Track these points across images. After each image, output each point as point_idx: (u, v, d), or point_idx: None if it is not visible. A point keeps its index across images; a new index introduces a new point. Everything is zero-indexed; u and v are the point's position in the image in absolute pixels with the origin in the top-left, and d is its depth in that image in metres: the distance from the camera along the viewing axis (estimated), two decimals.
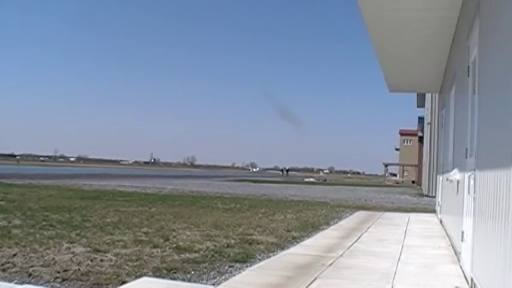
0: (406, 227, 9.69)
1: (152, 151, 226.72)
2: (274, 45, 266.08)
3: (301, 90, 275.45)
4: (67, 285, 4.42)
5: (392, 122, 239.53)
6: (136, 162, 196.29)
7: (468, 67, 5.32)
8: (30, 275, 4.72)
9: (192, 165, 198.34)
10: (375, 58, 9.46)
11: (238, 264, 5.57)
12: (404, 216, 12.32)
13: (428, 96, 25.68)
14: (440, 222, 10.46)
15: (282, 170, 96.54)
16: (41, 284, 4.39)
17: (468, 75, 5.30)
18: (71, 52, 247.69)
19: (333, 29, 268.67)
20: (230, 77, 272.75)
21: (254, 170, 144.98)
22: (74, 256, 5.65)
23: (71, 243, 6.51)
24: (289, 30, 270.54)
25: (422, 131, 35.28)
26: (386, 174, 72.45)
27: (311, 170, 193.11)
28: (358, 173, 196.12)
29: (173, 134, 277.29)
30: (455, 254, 6.33)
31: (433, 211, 13.69)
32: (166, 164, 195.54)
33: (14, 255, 5.59)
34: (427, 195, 24.54)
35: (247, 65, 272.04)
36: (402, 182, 63.49)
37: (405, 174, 77.38)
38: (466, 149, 5.28)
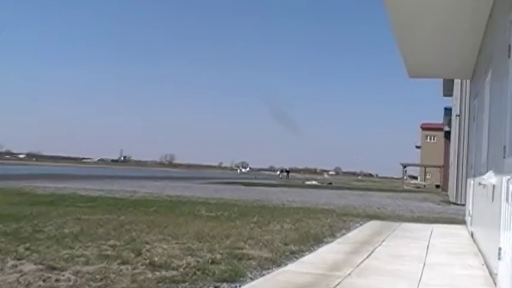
0: (429, 241, 9.70)
1: (122, 147, 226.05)
2: (271, 25, 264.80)
3: (301, 81, 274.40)
4: None
5: (412, 115, 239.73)
6: (102, 160, 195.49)
7: (509, 46, 5.29)
8: None
9: (171, 165, 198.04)
10: (391, 38, 9.42)
11: (225, 284, 5.54)
12: (427, 228, 12.34)
13: (457, 82, 25.73)
14: (471, 235, 10.47)
15: (281, 171, 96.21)
16: None
17: (509, 56, 5.26)
18: (25, 31, 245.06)
19: (339, 5, 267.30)
20: (216, 65, 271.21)
21: (243, 170, 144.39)
22: (21, 276, 5.58)
23: (19, 259, 6.43)
24: (286, 7, 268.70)
25: (449, 125, 35.40)
26: (405, 177, 72.71)
27: (313, 171, 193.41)
28: (371, 175, 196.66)
29: (148, 127, 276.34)
30: (491, 275, 6.31)
31: (462, 222, 13.71)
32: (139, 163, 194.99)
33: None
34: (454, 203, 24.61)
35: (238, 53, 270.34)
36: (424, 186, 63.82)
37: (428, 177, 77.78)
38: (504, 147, 5.25)
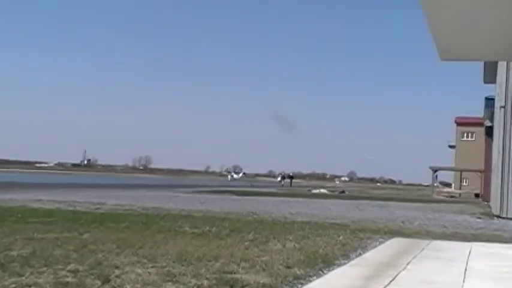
0: (467, 263, 9.69)
1: (86, 148, 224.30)
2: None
3: (305, 69, 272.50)
4: None
5: (445, 107, 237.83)
6: (60, 164, 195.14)
7: None
8: None
9: (147, 170, 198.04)
10: (417, 9, 9.39)
11: None
12: (464, 246, 12.34)
13: (501, 66, 25.72)
14: None
15: (282, 177, 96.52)
16: None
17: None
18: None
19: None
20: (204, 54, 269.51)
21: (236, 176, 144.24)
22: None
23: None
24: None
25: (491, 119, 35.49)
26: (436, 184, 72.90)
27: (322, 177, 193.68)
28: (393, 182, 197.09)
29: (118, 124, 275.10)
30: None
31: (509, 240, 13.74)
32: (107, 168, 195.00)
33: None
34: (499, 216, 24.61)
35: (231, 42, 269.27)
36: (459, 195, 63.95)
37: (464, 183, 77.85)
38: None
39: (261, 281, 7.40)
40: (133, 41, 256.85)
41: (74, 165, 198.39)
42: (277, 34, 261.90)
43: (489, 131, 39.18)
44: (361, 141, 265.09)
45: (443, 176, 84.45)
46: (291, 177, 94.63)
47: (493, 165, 30.52)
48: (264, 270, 8.29)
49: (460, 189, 73.71)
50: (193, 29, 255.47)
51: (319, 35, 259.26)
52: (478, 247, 12.32)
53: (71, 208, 19.90)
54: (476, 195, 58.84)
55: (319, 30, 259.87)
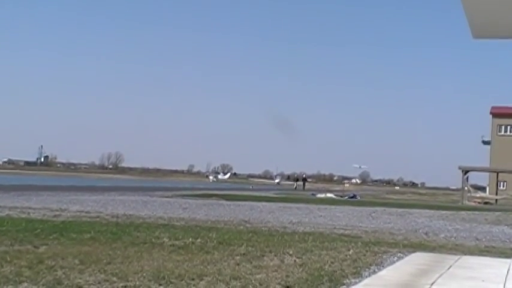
0: (504, 284, 9.72)
1: (42, 143, 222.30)
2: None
3: (311, 53, 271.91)
4: None
5: (477, 95, 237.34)
6: (10, 161, 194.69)
7: None
8: None
9: (118, 169, 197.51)
10: None
11: None
12: (501, 264, 12.37)
13: None
14: None
15: (296, 180, 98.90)
16: None
17: None
18: None
19: None
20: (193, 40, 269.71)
21: (221, 177, 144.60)
22: None
23: None
24: None
25: None
26: (466, 188, 72.87)
27: (329, 179, 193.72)
28: (414, 185, 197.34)
29: (83, 115, 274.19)
30: None
31: None
32: (68, 166, 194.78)
33: None
34: None
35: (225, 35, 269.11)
36: (496, 201, 63.90)
37: (502, 187, 77.81)
38: None
39: None
40: (103, 23, 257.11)
41: (28, 163, 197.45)
42: (281, 23, 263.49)
43: None
44: (375, 137, 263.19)
45: (475, 178, 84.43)
46: (304, 180, 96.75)
47: None
48: None
49: (497, 194, 73.59)
50: (179, 17, 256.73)
51: (328, 25, 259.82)
52: None
53: (24, 215, 19.84)
54: None
55: (329, 21, 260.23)
